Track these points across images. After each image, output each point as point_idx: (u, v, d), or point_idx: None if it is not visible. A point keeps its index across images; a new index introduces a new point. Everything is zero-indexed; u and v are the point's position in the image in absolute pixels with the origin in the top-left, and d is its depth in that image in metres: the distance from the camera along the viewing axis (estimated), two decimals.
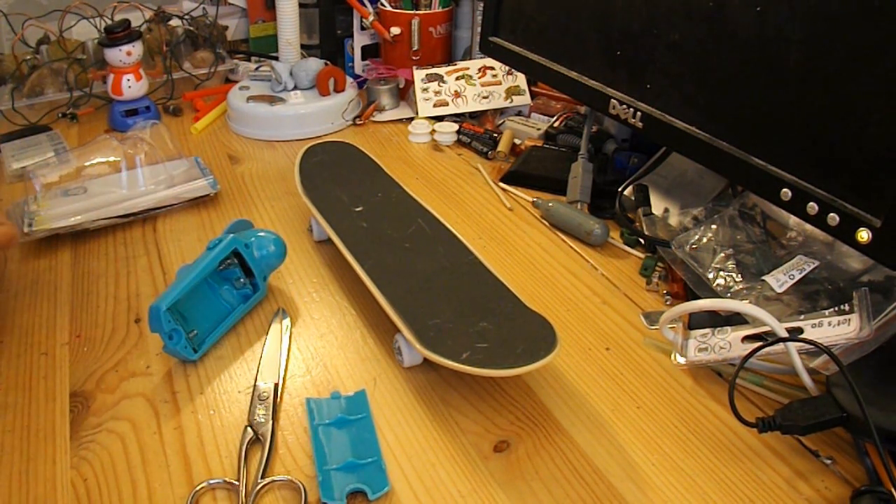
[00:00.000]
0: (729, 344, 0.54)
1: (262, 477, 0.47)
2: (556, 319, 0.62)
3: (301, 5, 1.08)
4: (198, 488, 0.46)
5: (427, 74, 1.05)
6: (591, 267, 0.71)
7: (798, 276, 0.57)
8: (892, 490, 0.44)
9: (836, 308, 0.53)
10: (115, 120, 1.00)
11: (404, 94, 1.10)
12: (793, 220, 0.62)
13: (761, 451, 0.50)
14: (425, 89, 1.04)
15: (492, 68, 1.05)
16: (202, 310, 0.59)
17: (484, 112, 1.04)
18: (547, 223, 0.78)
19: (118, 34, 0.95)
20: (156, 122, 0.88)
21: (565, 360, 0.58)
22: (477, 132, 0.96)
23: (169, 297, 0.54)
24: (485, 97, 1.03)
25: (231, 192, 0.85)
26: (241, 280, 0.63)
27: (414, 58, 1.08)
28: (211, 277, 0.61)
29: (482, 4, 0.91)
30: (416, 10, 1.08)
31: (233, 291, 0.63)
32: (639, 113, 0.68)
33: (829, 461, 0.49)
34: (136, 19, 1.05)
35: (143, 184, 0.80)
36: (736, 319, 0.54)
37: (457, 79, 1.04)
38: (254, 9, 1.23)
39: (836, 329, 0.52)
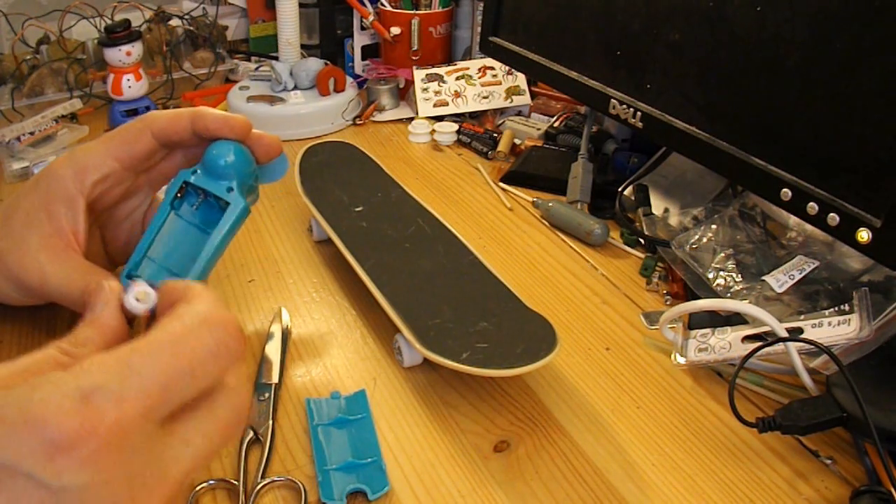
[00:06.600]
0: (729, 344, 0.54)
1: (262, 477, 0.47)
2: (556, 319, 0.62)
3: (301, 5, 1.08)
4: (198, 488, 0.46)
5: (427, 74, 1.05)
6: (591, 267, 0.71)
7: (798, 276, 0.57)
8: (892, 490, 0.44)
9: (836, 308, 0.53)
10: (115, 120, 1.00)
11: (404, 94, 1.10)
12: (793, 220, 0.62)
13: (761, 451, 0.50)
14: (425, 89, 1.04)
15: (492, 68, 1.05)
16: (183, 253, 0.53)
17: (484, 112, 1.04)
18: (547, 223, 0.78)
19: (118, 34, 0.95)
20: None
21: (565, 360, 0.58)
22: (477, 132, 0.96)
23: (128, 266, 0.50)
24: (485, 97, 1.03)
25: None
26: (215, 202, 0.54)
27: (414, 58, 1.08)
28: (188, 222, 0.54)
29: (482, 4, 0.91)
30: (416, 10, 1.08)
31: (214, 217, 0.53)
32: (639, 113, 0.68)
33: (829, 461, 0.49)
34: (136, 19, 1.05)
35: None
36: (736, 319, 0.54)
37: (457, 79, 1.04)
38: (254, 9, 1.23)
39: (836, 329, 0.52)
